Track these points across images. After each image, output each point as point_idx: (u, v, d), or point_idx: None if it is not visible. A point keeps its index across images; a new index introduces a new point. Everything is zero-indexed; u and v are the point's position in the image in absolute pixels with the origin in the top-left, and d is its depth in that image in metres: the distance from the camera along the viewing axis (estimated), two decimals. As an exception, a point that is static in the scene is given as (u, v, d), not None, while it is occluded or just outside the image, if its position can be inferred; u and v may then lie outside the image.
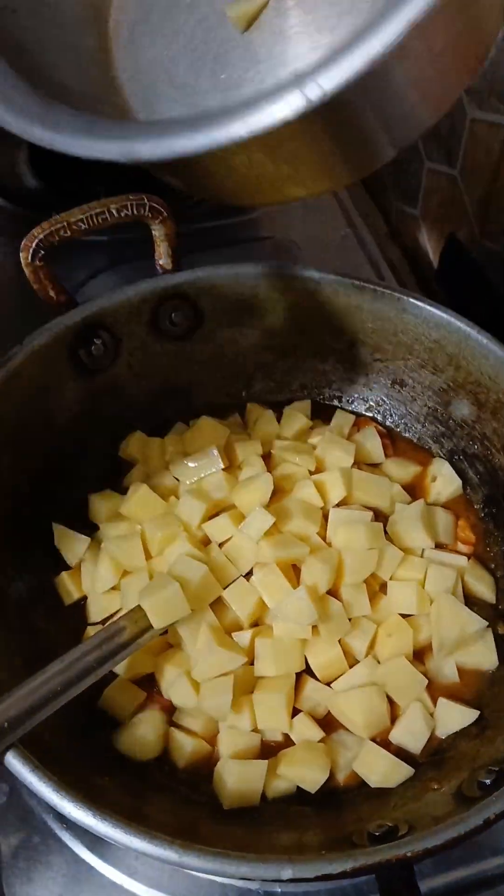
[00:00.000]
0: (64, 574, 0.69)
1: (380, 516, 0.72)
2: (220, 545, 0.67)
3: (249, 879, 0.58)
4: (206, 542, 0.68)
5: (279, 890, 0.62)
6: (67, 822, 0.65)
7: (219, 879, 0.62)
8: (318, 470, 0.74)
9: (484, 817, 0.48)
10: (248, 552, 0.66)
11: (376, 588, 0.68)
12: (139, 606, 0.61)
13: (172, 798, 0.58)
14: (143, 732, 0.60)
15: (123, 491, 0.74)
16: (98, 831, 0.47)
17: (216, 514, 0.69)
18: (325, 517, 0.70)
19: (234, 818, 0.56)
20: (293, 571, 0.66)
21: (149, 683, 0.64)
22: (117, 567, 0.67)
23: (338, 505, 0.71)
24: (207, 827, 0.55)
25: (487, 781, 0.52)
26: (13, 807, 0.66)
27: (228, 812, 0.57)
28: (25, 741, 0.50)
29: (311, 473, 0.73)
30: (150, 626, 0.60)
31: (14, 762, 0.50)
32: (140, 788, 0.57)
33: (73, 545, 0.70)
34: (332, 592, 0.65)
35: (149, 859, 0.62)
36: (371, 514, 0.70)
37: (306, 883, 0.58)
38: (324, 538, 0.68)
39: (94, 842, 0.64)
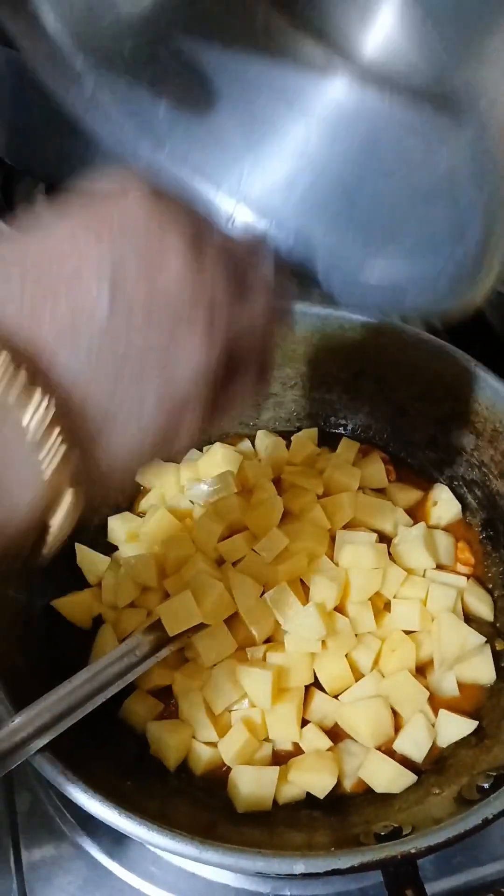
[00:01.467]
0: (86, 592, 0.73)
1: (384, 538, 0.75)
2: (234, 564, 0.71)
3: (264, 875, 0.62)
4: (220, 562, 0.72)
5: (289, 893, 0.65)
6: (88, 829, 0.67)
7: (232, 884, 0.65)
8: (326, 494, 0.77)
9: (482, 817, 0.51)
10: (262, 571, 0.70)
11: (381, 606, 0.71)
12: (158, 621, 0.65)
13: (191, 802, 0.61)
14: (166, 741, 0.64)
15: (140, 514, 0.79)
16: (123, 828, 0.50)
17: (230, 535, 0.73)
18: (333, 538, 0.74)
19: (249, 821, 0.60)
20: (302, 589, 0.70)
21: (167, 695, 0.68)
22: (136, 585, 0.71)
23: (344, 527, 0.75)
24: (224, 828, 0.58)
25: (486, 786, 0.56)
26: (35, 815, 0.69)
27: (243, 815, 0.60)
28: (53, 747, 0.53)
29: (319, 497, 0.77)
30: (168, 639, 0.64)
31: (44, 764, 0.53)
32: (161, 792, 0.60)
33: (94, 564, 0.74)
34: (340, 609, 0.69)
35: (166, 865, 0.66)
36: (375, 535, 0.74)
37: (317, 879, 0.63)
38: (331, 558, 0.72)
39: (113, 848, 0.67)
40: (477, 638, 0.69)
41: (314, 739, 0.65)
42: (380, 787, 0.62)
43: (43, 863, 0.67)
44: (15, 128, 1.01)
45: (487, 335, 0.87)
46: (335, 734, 0.66)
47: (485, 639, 0.69)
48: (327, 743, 0.65)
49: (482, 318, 0.88)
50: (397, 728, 0.66)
